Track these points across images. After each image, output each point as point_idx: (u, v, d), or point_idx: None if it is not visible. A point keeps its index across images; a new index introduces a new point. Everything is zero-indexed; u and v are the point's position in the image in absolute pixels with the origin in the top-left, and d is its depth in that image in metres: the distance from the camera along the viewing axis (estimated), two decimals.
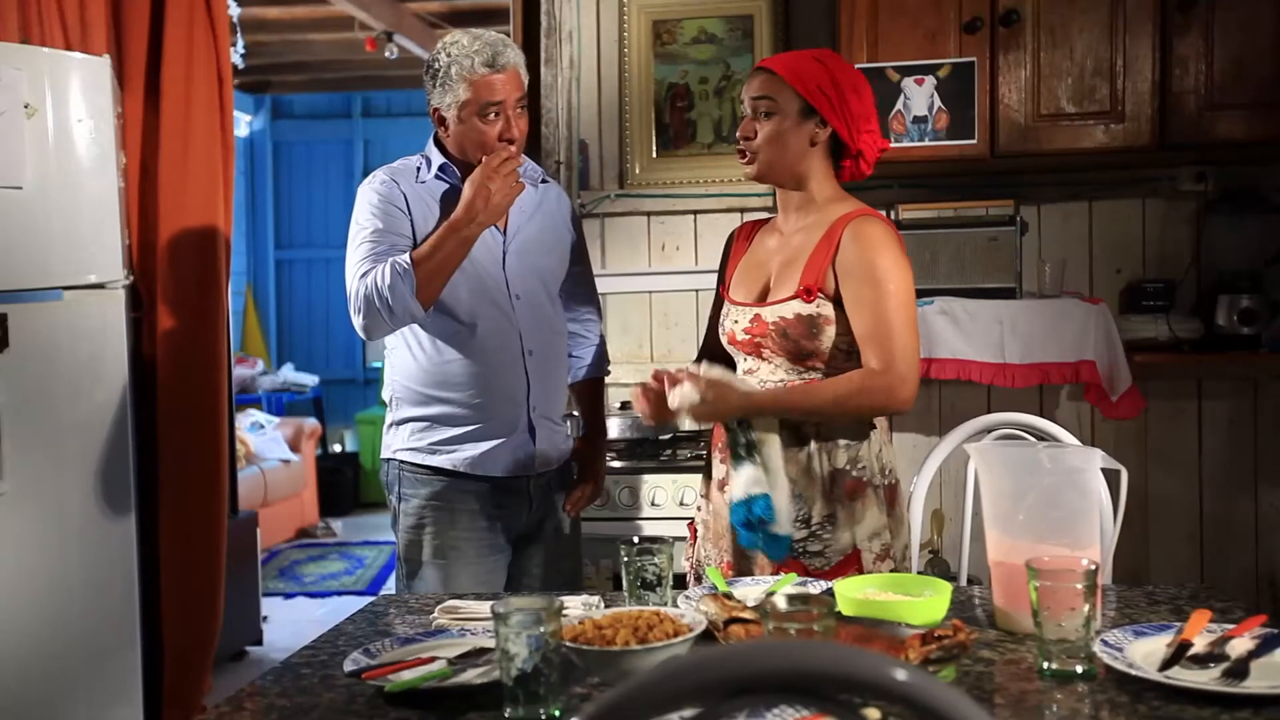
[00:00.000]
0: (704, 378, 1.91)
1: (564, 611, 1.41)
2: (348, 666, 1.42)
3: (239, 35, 3.78)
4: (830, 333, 1.95)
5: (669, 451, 3.16)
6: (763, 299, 2.03)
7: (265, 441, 6.10)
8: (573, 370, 2.52)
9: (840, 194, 2.05)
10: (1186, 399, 3.32)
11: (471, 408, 2.25)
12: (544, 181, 2.42)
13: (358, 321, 2.18)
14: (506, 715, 1.27)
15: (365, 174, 8.61)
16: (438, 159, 2.28)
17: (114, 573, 3.00)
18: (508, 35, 3.54)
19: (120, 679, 3.00)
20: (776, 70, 1.99)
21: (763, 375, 2.00)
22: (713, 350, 2.16)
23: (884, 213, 3.31)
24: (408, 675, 1.37)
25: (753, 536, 1.90)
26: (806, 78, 1.97)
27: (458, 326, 2.24)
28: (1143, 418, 3.24)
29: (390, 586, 5.25)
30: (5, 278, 2.79)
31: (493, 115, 2.18)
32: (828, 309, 1.94)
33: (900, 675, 0.70)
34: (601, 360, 2.57)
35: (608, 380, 3.48)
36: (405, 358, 2.30)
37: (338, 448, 7.95)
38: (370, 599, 5.21)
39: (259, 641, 4.35)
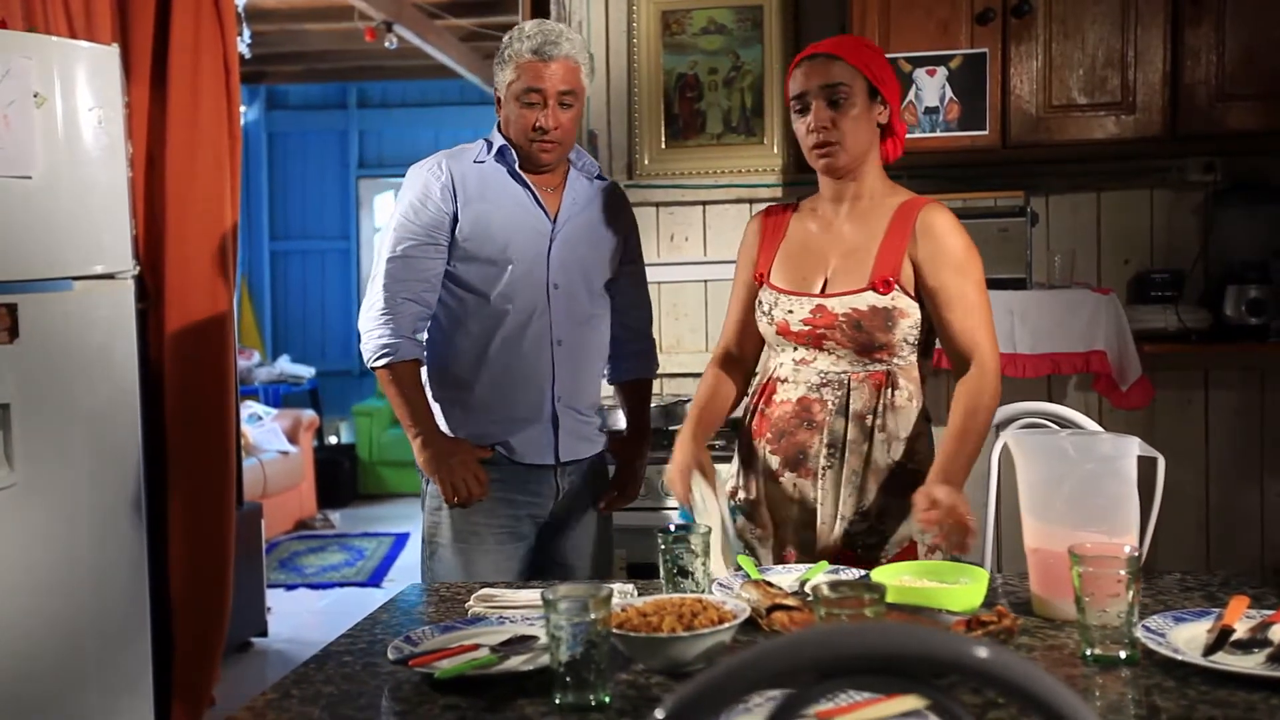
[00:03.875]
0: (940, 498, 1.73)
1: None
2: (391, 654, 1.42)
3: (245, 25, 3.75)
4: (905, 325, 1.92)
5: None
6: (821, 289, 1.97)
7: (264, 433, 6.08)
8: (619, 370, 2.50)
9: (887, 180, 2.02)
10: (1194, 389, 3.34)
11: (496, 391, 2.26)
12: (599, 178, 2.42)
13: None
14: (557, 701, 1.27)
15: (360, 165, 8.69)
16: (498, 141, 2.29)
17: (123, 563, 2.99)
18: (518, 23, 3.57)
19: (131, 670, 2.99)
20: (841, 55, 1.93)
21: (820, 366, 1.96)
22: (738, 338, 2.12)
23: None
24: (454, 662, 1.37)
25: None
26: (868, 59, 1.93)
27: (490, 308, 2.25)
28: (1150, 408, 3.26)
29: (392, 578, 5.25)
30: (15, 268, 2.77)
31: (533, 101, 2.19)
32: (903, 301, 1.91)
33: (1006, 659, 0.71)
34: (649, 362, 2.53)
35: None
36: (438, 335, 2.32)
37: (334, 439, 7.93)
38: (372, 590, 5.20)
39: (264, 633, 4.34)
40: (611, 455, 2.46)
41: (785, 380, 1.99)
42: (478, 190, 2.26)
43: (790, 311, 1.97)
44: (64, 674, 2.84)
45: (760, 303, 2.04)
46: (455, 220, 2.24)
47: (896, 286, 1.91)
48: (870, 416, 1.93)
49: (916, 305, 1.92)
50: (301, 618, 4.70)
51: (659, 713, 0.76)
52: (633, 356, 2.50)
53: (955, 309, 1.90)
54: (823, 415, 1.93)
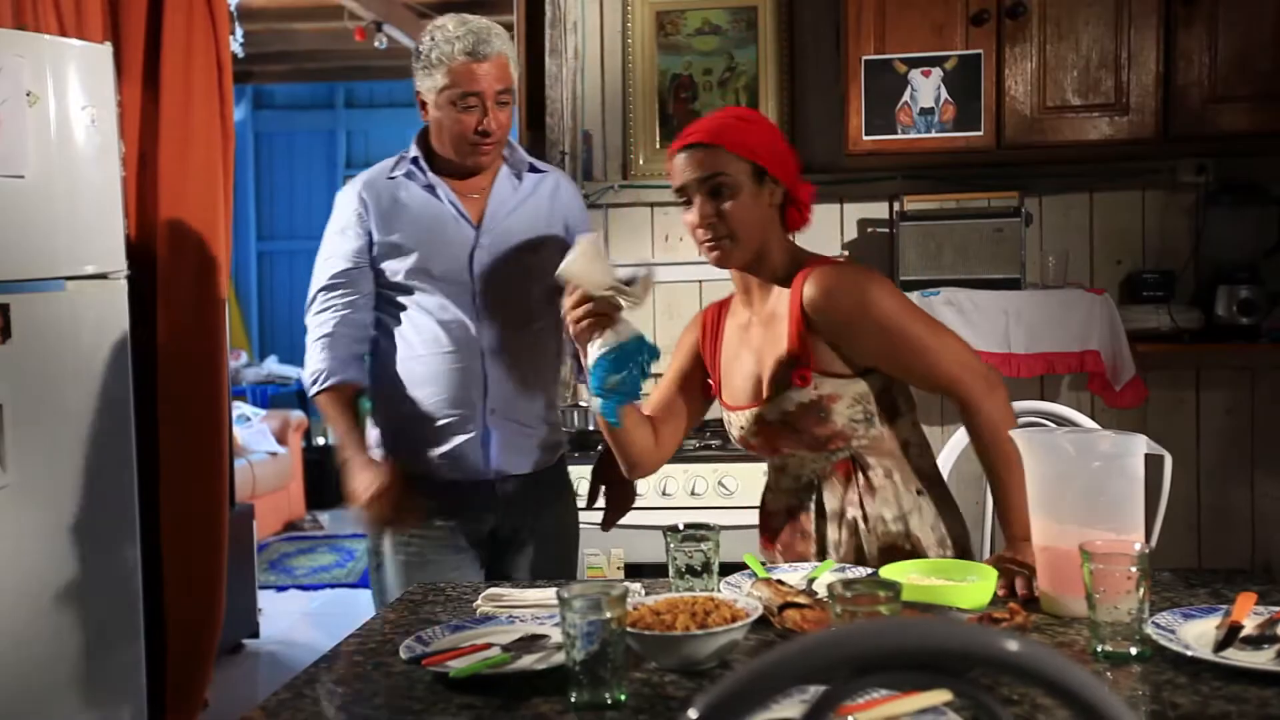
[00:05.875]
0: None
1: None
2: (404, 654, 1.42)
3: (237, 24, 3.73)
4: (842, 409, 1.79)
5: None
6: (758, 397, 1.86)
7: (252, 434, 6.06)
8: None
9: (792, 254, 1.87)
10: (1185, 389, 3.36)
11: (425, 407, 2.21)
12: (536, 171, 2.32)
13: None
14: (572, 700, 1.27)
15: (348, 165, 8.66)
16: (412, 152, 2.24)
17: (116, 564, 2.97)
18: (512, 25, 3.56)
19: (124, 672, 2.97)
20: (719, 143, 1.78)
21: (792, 470, 1.87)
22: (661, 406, 2.01)
23: (888, 204, 3.37)
24: (467, 661, 1.36)
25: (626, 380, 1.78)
26: (746, 139, 1.79)
27: (418, 323, 2.21)
28: (1142, 407, 3.28)
29: None
30: (7, 268, 2.75)
31: (470, 105, 2.13)
32: (830, 386, 1.79)
33: (1056, 657, 0.71)
34: None
35: None
36: (378, 353, 2.28)
37: (323, 440, 7.89)
38: (364, 591, 5.18)
39: (255, 634, 4.32)
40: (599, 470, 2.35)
41: (771, 489, 1.95)
42: (391, 210, 2.22)
43: (742, 427, 1.89)
44: (57, 675, 2.82)
45: (724, 419, 1.96)
46: (373, 244, 2.22)
47: (814, 375, 1.79)
48: (848, 509, 1.83)
49: (851, 381, 1.79)
50: (293, 619, 4.68)
51: (692, 712, 0.76)
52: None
53: (901, 364, 1.79)
54: (808, 522, 1.86)
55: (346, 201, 2.26)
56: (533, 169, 2.31)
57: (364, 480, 2.13)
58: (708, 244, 1.81)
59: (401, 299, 2.22)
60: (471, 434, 2.21)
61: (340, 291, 2.23)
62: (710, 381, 2.00)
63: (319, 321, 2.23)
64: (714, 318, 1.99)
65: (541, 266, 2.22)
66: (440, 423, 2.21)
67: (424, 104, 2.20)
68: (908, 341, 1.77)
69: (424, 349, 2.21)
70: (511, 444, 2.24)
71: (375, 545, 2.27)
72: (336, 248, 2.24)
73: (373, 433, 2.29)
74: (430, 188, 2.23)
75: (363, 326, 2.24)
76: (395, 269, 2.21)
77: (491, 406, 2.21)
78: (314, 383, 2.22)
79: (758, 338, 1.88)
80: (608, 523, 2.35)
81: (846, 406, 1.79)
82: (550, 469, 2.33)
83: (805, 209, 1.87)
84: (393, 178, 2.24)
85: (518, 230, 2.25)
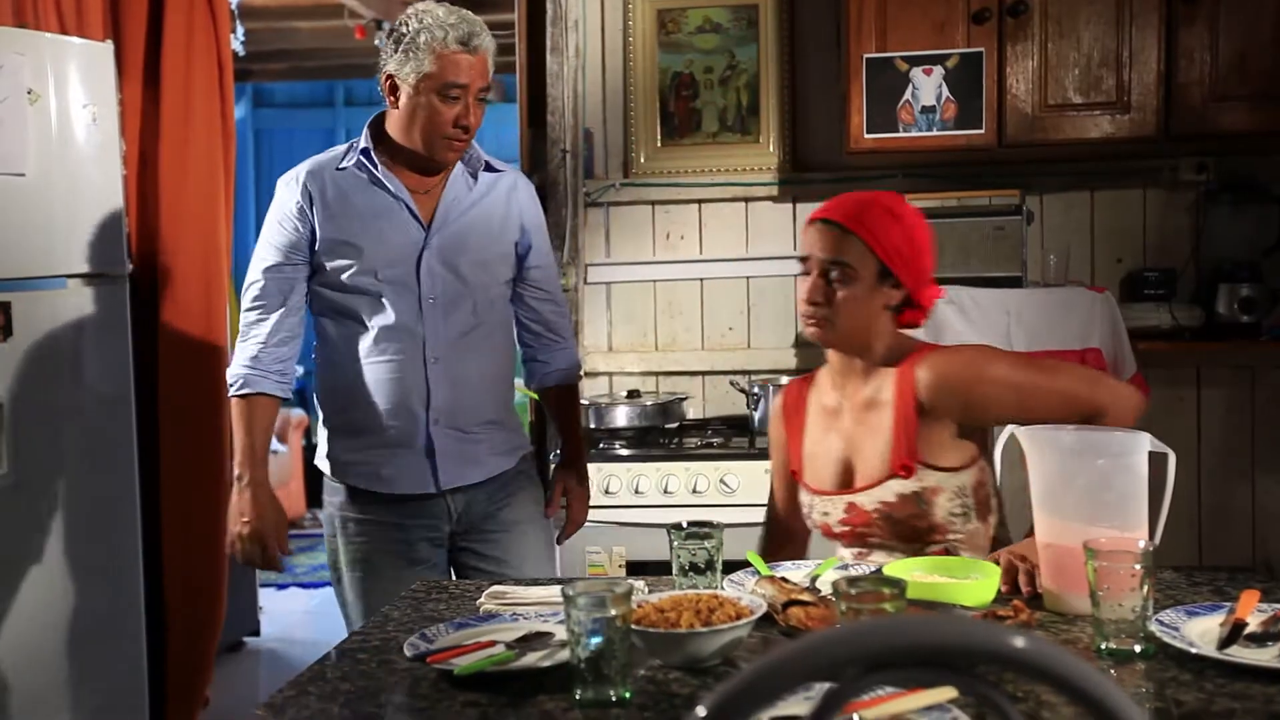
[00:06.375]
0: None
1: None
2: (408, 651, 1.42)
3: (238, 22, 3.73)
4: (943, 501, 1.76)
5: (676, 440, 3.17)
6: (849, 483, 1.83)
7: None
8: (539, 377, 2.35)
9: (898, 341, 1.85)
10: (1186, 386, 3.36)
11: (370, 416, 2.11)
12: (492, 170, 2.21)
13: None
14: (577, 697, 1.27)
15: None
16: (363, 142, 2.12)
17: (118, 562, 2.97)
18: (512, 23, 3.56)
19: (124, 669, 2.98)
20: (855, 230, 1.76)
21: (876, 559, 1.80)
22: (777, 526, 2.02)
23: None
24: (472, 659, 1.37)
25: None
26: (884, 237, 1.76)
27: (356, 328, 2.11)
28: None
29: None
30: (9, 266, 2.75)
31: (454, 96, 2.04)
32: (932, 478, 1.76)
33: (1053, 651, 0.71)
34: (572, 365, 2.37)
35: (612, 369, 3.53)
36: (322, 358, 2.20)
37: None
38: None
39: (256, 632, 4.32)
40: (554, 479, 2.34)
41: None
42: (338, 204, 2.10)
43: (826, 514, 1.86)
44: (58, 672, 2.82)
45: (801, 502, 1.93)
46: (314, 238, 2.10)
47: (919, 466, 1.76)
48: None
49: (954, 474, 1.77)
50: (293, 617, 4.69)
51: (700, 709, 0.76)
52: (553, 361, 2.33)
53: (1036, 412, 1.70)
54: None
55: (288, 192, 2.13)
56: (489, 168, 2.21)
57: (239, 508, 2.10)
58: (808, 319, 1.81)
59: (341, 299, 2.11)
60: (415, 448, 2.11)
61: (274, 287, 2.12)
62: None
63: (249, 320, 2.14)
64: (795, 396, 1.97)
65: (492, 270, 2.18)
66: (382, 434, 2.11)
67: (394, 88, 2.08)
68: (1036, 387, 1.76)
69: (365, 355, 2.10)
70: (458, 454, 2.14)
71: (333, 560, 2.19)
72: (274, 238, 2.13)
73: (319, 434, 2.22)
74: (379, 182, 2.11)
75: (293, 329, 2.14)
76: (337, 267, 2.09)
77: (435, 417, 2.12)
78: (231, 385, 2.15)
79: (850, 424, 1.85)
80: (565, 536, 2.33)
81: (947, 500, 1.77)
82: (508, 471, 2.23)
83: (923, 313, 1.84)
84: (342, 168, 2.13)
85: (470, 232, 2.15)
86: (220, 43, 3.49)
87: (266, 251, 2.14)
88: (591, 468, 2.93)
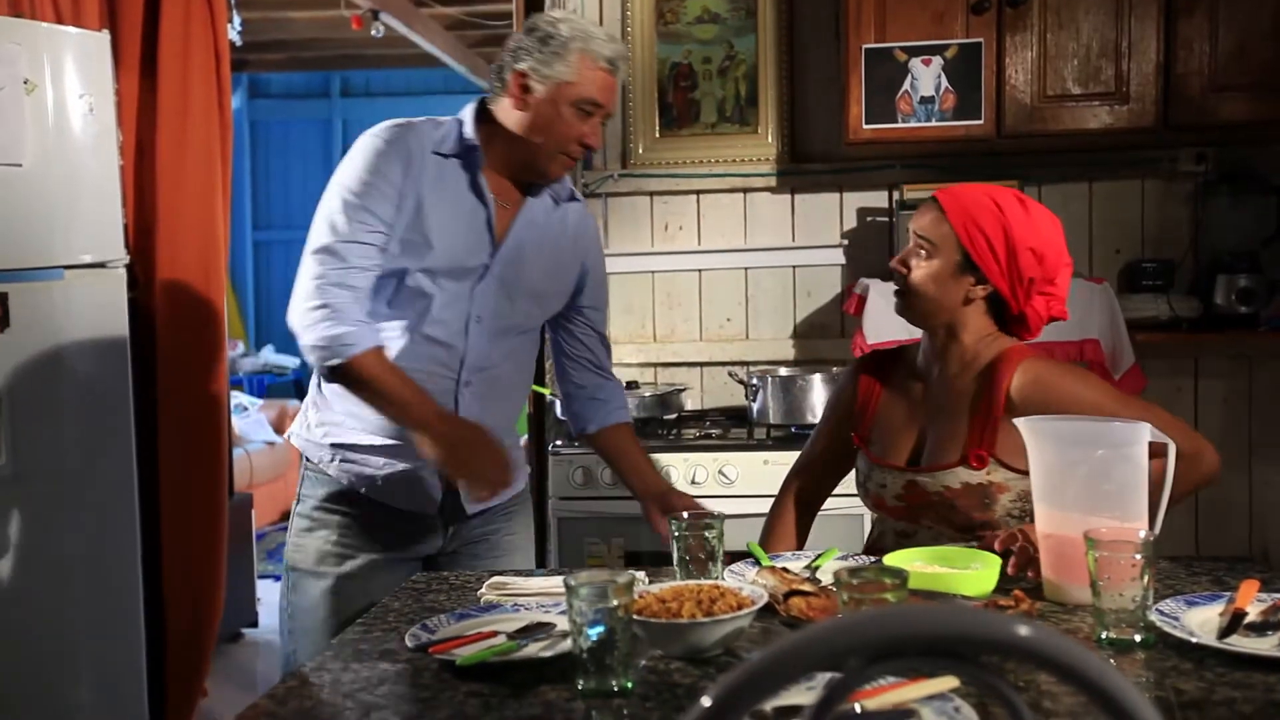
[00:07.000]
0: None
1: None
2: (410, 642, 1.42)
3: (235, 12, 3.72)
4: (1005, 501, 1.76)
5: (675, 431, 3.17)
6: (915, 461, 1.83)
7: (249, 424, 6.05)
8: (599, 417, 2.15)
9: (995, 338, 1.83)
10: (1184, 377, 3.37)
11: (383, 421, 1.94)
12: (572, 200, 2.09)
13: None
14: (579, 687, 1.27)
15: (343, 155, 8.60)
16: (469, 133, 1.94)
17: (116, 553, 2.97)
18: (510, 14, 3.55)
19: (123, 660, 2.97)
20: (949, 215, 1.77)
21: (919, 540, 1.80)
22: (815, 476, 2.02)
23: (888, 193, 3.36)
24: (474, 649, 1.37)
25: None
26: (974, 225, 1.75)
27: (396, 328, 1.94)
28: (1141, 395, 3.28)
29: None
30: (5, 257, 2.75)
31: (590, 113, 1.92)
32: (1000, 475, 1.75)
33: (1057, 639, 0.71)
34: (621, 406, 2.20)
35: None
36: None
37: None
38: None
39: (254, 624, 4.32)
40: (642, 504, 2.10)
41: (887, 550, 1.78)
42: (436, 186, 1.91)
43: (883, 485, 1.85)
44: (57, 665, 2.82)
45: (857, 470, 1.93)
46: (396, 221, 1.89)
47: (991, 460, 1.76)
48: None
49: (1023, 478, 1.73)
50: None
51: (705, 700, 0.76)
52: (613, 400, 2.18)
53: None
54: None
55: (392, 154, 1.89)
56: (572, 196, 2.10)
57: (458, 439, 1.82)
58: (895, 286, 1.84)
59: (392, 298, 1.93)
60: (426, 464, 1.89)
61: (350, 251, 1.86)
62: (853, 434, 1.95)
63: (316, 287, 1.84)
64: (877, 369, 1.96)
65: (545, 299, 2.07)
66: (399, 444, 1.94)
67: (528, 88, 1.90)
68: (1128, 414, 1.70)
69: (398, 358, 1.91)
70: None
71: (293, 564, 2.04)
72: (359, 202, 1.86)
73: (305, 417, 2.05)
74: (476, 184, 1.95)
75: (365, 304, 1.89)
76: (402, 261, 1.90)
77: None
78: (332, 356, 1.81)
79: (930, 404, 1.85)
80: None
81: (1010, 500, 1.77)
82: (517, 499, 2.14)
83: (1026, 327, 1.82)
84: (439, 154, 1.93)
85: (536, 259, 2.02)
86: (217, 32, 3.48)
87: (349, 216, 1.87)
88: (589, 460, 2.95)
